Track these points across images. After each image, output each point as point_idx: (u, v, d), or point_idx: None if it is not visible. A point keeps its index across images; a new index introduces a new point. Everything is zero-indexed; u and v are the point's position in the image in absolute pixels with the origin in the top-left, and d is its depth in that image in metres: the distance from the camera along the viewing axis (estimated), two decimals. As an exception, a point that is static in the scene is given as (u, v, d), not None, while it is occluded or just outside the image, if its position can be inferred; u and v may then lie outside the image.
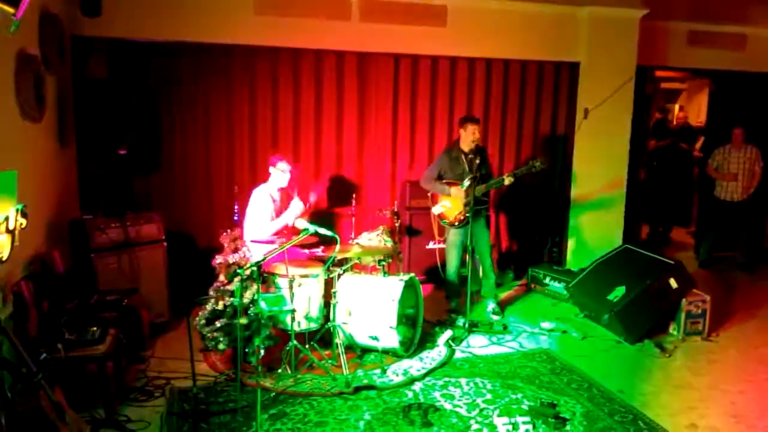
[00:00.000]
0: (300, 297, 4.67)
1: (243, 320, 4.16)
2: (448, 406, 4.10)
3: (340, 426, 3.83)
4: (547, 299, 6.56)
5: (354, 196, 6.01)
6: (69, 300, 4.34)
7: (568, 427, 3.85)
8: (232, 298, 4.56)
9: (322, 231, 4.39)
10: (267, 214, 5.17)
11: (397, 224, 5.75)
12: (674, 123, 10.68)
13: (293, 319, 4.47)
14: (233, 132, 6.27)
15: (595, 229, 7.32)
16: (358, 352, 4.85)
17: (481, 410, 4.04)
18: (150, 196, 6.06)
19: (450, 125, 6.91)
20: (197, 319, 4.66)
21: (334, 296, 4.73)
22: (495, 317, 5.84)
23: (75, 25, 5.57)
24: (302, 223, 4.64)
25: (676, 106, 11.94)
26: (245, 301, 4.43)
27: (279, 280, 4.76)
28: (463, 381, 4.49)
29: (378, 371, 4.60)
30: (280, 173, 5.25)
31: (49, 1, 4.84)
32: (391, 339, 4.70)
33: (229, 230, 4.90)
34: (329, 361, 4.63)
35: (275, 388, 4.27)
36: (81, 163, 5.80)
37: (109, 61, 5.74)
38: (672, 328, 5.51)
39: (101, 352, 3.80)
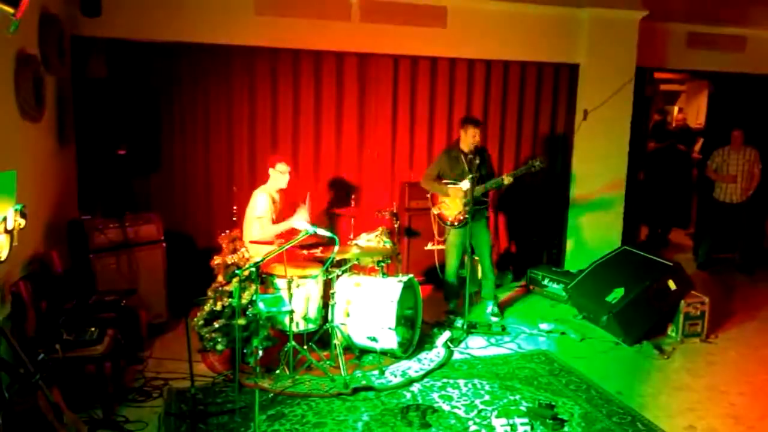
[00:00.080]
0: (298, 298, 4.68)
1: (241, 321, 4.16)
2: (446, 407, 4.10)
3: (338, 427, 3.83)
4: (545, 300, 6.57)
5: (353, 196, 6.01)
6: (67, 300, 4.34)
7: (566, 429, 3.85)
8: (230, 299, 4.55)
9: (321, 232, 4.39)
10: (268, 216, 5.17)
11: (396, 225, 5.75)
12: (673, 125, 10.68)
13: (292, 319, 4.47)
14: (232, 132, 6.27)
15: (594, 231, 7.33)
16: (356, 353, 4.85)
17: (480, 411, 4.04)
18: (149, 196, 6.06)
19: (449, 126, 6.91)
20: (195, 319, 4.66)
21: (333, 297, 4.73)
22: (494, 319, 5.84)
23: (75, 25, 5.57)
24: (301, 224, 4.63)
25: (675, 108, 11.95)
26: (243, 301, 4.43)
27: (277, 281, 4.77)
28: (461, 382, 4.49)
29: (376, 372, 4.60)
30: (278, 174, 5.25)
31: (49, 1, 4.84)
32: (389, 340, 4.70)
33: (227, 231, 4.89)
34: (327, 362, 4.63)
35: (273, 389, 4.27)
36: (80, 163, 5.79)
37: (108, 62, 5.74)
38: (671, 330, 5.51)
39: (99, 352, 3.80)
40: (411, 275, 5.12)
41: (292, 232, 5.03)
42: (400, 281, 4.88)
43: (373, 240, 5.29)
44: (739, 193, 7.58)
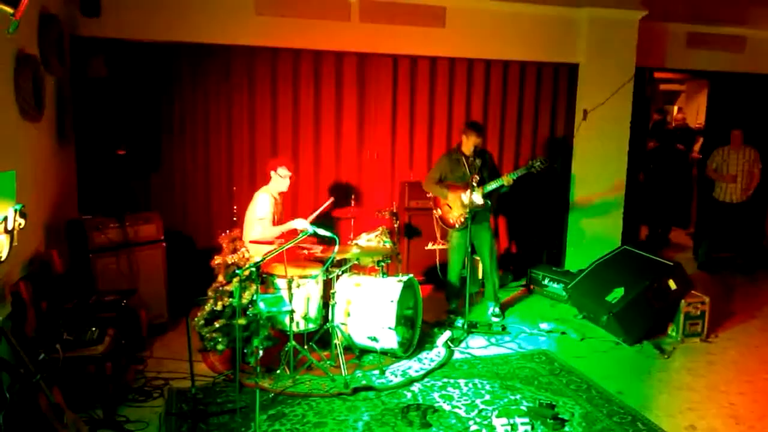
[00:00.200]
0: (299, 298, 4.67)
1: (242, 321, 4.16)
2: (446, 406, 4.10)
3: (338, 427, 3.83)
4: (546, 300, 6.57)
5: (353, 196, 6.01)
6: (67, 300, 4.33)
7: (566, 428, 3.85)
8: (230, 299, 4.55)
9: (321, 232, 4.39)
10: (269, 218, 5.17)
11: (396, 225, 5.75)
12: (672, 124, 10.68)
13: (292, 319, 4.47)
14: (232, 132, 6.27)
15: (595, 230, 7.33)
16: (356, 352, 4.85)
17: (480, 411, 4.04)
18: (149, 196, 6.06)
19: (449, 126, 6.92)
20: (196, 319, 4.66)
21: (333, 297, 4.73)
22: (495, 319, 5.84)
23: (74, 26, 5.57)
24: (301, 224, 4.63)
25: (675, 108, 11.95)
26: (244, 301, 4.42)
27: (278, 281, 4.77)
28: (461, 382, 4.49)
29: (377, 372, 4.59)
30: (279, 178, 5.26)
31: (49, 1, 4.84)
32: (389, 340, 4.70)
33: (228, 231, 4.89)
34: (328, 362, 4.63)
35: (274, 389, 4.27)
36: (80, 163, 5.80)
37: (108, 62, 5.73)
38: (671, 330, 5.51)
39: (100, 352, 3.80)
40: (411, 275, 5.11)
41: (293, 232, 5.04)
42: (400, 281, 4.88)
43: (373, 240, 5.28)
44: (738, 193, 7.58)
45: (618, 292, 5.42)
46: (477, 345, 5.25)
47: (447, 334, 5.22)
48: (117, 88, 5.73)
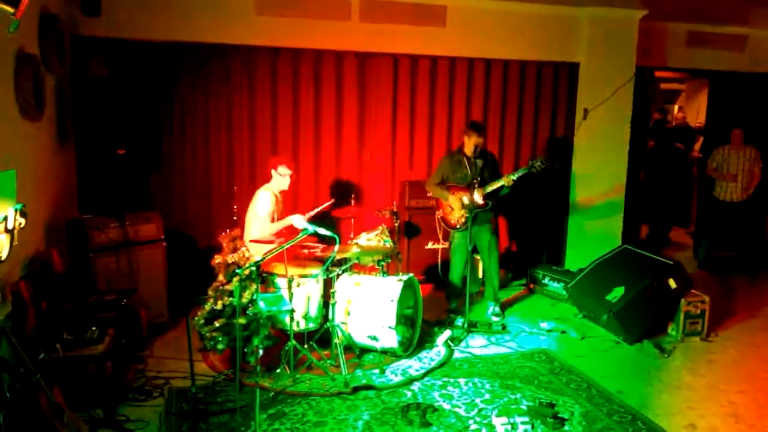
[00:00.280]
0: (299, 297, 4.68)
1: (242, 320, 4.16)
2: (446, 406, 4.11)
3: (338, 426, 3.83)
4: (546, 299, 6.57)
5: (353, 195, 6.01)
6: (68, 300, 4.33)
7: (566, 427, 3.85)
8: (231, 298, 4.55)
9: (322, 231, 4.39)
10: (270, 215, 5.18)
11: (396, 224, 5.75)
12: (673, 123, 10.68)
13: (292, 319, 4.47)
14: (233, 131, 6.27)
15: (595, 229, 7.32)
16: (356, 352, 4.85)
17: (480, 410, 4.04)
18: (149, 195, 6.06)
19: (449, 125, 6.92)
20: (196, 318, 4.66)
21: (333, 296, 4.73)
22: (495, 318, 5.84)
23: (75, 25, 5.57)
24: (302, 223, 4.63)
25: (675, 107, 11.95)
26: (244, 300, 4.43)
27: (278, 280, 4.77)
28: (461, 381, 4.49)
29: (377, 371, 4.60)
30: (280, 177, 5.27)
31: (49, 0, 4.84)
32: (390, 339, 4.70)
33: (228, 230, 4.90)
34: (328, 361, 4.63)
35: (274, 388, 4.27)
36: (80, 162, 5.80)
37: (108, 61, 5.73)
38: (671, 329, 5.51)
39: (100, 351, 3.80)
40: (411, 274, 5.11)
41: (293, 231, 5.04)
42: (401, 280, 4.88)
43: (374, 239, 5.29)
44: (739, 192, 7.58)
45: (618, 291, 5.42)
46: (477, 344, 5.25)
47: (447, 333, 5.22)
48: (117, 87, 5.73)
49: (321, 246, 5.36)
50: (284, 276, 4.52)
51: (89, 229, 4.94)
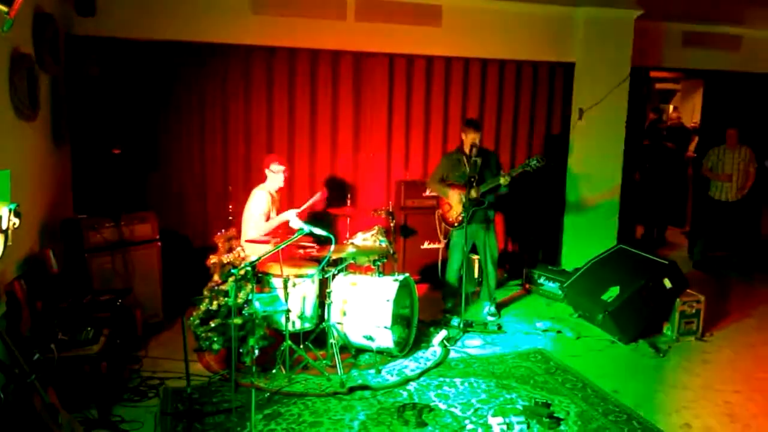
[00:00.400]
0: (294, 297, 4.67)
1: (237, 320, 4.16)
2: (442, 405, 4.10)
3: (334, 426, 3.83)
4: (542, 299, 6.58)
5: (349, 195, 6.00)
6: (62, 300, 4.33)
7: (562, 427, 3.85)
8: (226, 298, 4.55)
9: (317, 231, 4.39)
10: (265, 214, 5.17)
11: (392, 224, 5.75)
12: (667, 123, 10.69)
13: (288, 319, 4.46)
14: (228, 131, 6.26)
15: (590, 229, 7.33)
16: (352, 352, 4.85)
17: (476, 410, 4.05)
18: (144, 195, 6.04)
19: (445, 125, 6.92)
20: (191, 319, 4.66)
21: (329, 296, 4.73)
22: (490, 318, 5.85)
23: (69, 24, 5.55)
24: (297, 223, 4.63)
25: (670, 107, 11.97)
26: (240, 301, 4.42)
27: (273, 280, 4.76)
28: (457, 381, 4.49)
29: (373, 371, 4.59)
30: (273, 174, 5.27)
31: (43, 0, 4.82)
32: (385, 339, 4.70)
33: (223, 230, 4.89)
34: (324, 362, 4.62)
35: (270, 389, 4.26)
36: (75, 162, 5.78)
37: (103, 61, 5.72)
38: (666, 328, 5.52)
39: (95, 352, 3.79)
40: (407, 274, 5.11)
41: (288, 231, 5.03)
42: (396, 280, 4.88)
43: (369, 239, 5.29)
44: (734, 192, 7.60)
45: (613, 291, 5.43)
46: (473, 344, 5.25)
47: (443, 333, 5.22)
48: (113, 87, 5.73)
49: (316, 246, 5.35)
50: (280, 276, 4.52)
51: (84, 229, 4.93)
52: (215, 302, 4.58)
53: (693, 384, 4.59)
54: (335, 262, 5.04)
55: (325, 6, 6.26)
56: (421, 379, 4.53)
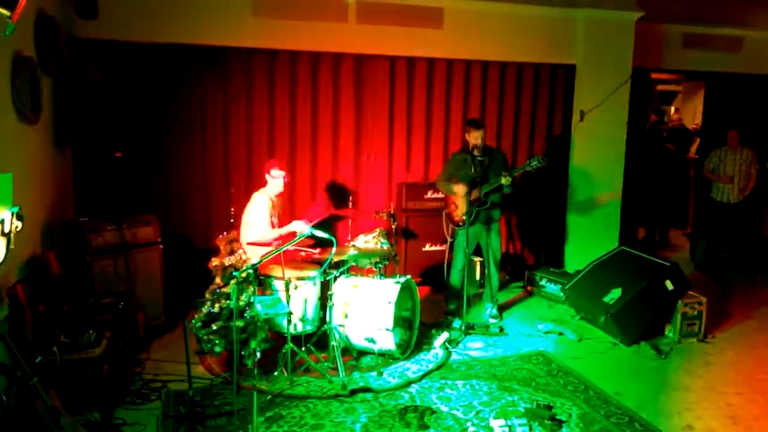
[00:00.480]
0: (296, 299, 4.67)
1: (239, 323, 4.16)
2: (444, 408, 4.10)
3: (336, 428, 3.83)
4: (543, 301, 6.57)
5: (350, 198, 6.00)
6: (65, 303, 4.33)
7: (564, 429, 3.85)
8: (228, 301, 4.54)
9: (319, 233, 4.39)
10: (265, 220, 5.17)
11: (393, 226, 5.75)
12: (669, 125, 10.67)
13: (289, 321, 4.47)
14: (230, 134, 6.26)
15: (592, 231, 7.33)
16: (354, 354, 4.85)
17: (478, 412, 4.04)
18: (146, 198, 6.04)
19: (446, 127, 6.93)
20: (193, 321, 4.65)
21: (331, 299, 4.73)
22: (492, 320, 5.84)
23: (71, 27, 5.57)
24: (300, 227, 4.64)
25: (672, 108, 11.96)
26: (241, 303, 4.42)
27: (275, 283, 4.76)
28: (459, 383, 4.49)
29: (374, 373, 4.59)
30: (273, 179, 5.27)
31: (46, 3, 4.84)
32: (387, 341, 4.70)
33: (225, 233, 4.89)
34: (325, 364, 4.63)
35: (271, 391, 4.26)
36: (77, 165, 5.79)
37: (105, 63, 5.74)
38: (668, 330, 5.51)
39: (97, 355, 3.80)
40: (408, 276, 5.12)
41: (290, 234, 5.04)
42: (398, 282, 4.88)
43: (371, 241, 5.29)
44: (735, 193, 7.59)
45: (615, 293, 5.43)
46: (475, 346, 5.25)
47: (445, 335, 5.22)
48: (114, 89, 5.74)
49: (318, 249, 5.35)
50: (281, 278, 4.52)
51: (86, 232, 4.94)
52: (217, 305, 4.58)
53: (695, 386, 4.59)
54: (337, 265, 5.03)
55: (327, 8, 6.27)
56: (423, 381, 4.53)
